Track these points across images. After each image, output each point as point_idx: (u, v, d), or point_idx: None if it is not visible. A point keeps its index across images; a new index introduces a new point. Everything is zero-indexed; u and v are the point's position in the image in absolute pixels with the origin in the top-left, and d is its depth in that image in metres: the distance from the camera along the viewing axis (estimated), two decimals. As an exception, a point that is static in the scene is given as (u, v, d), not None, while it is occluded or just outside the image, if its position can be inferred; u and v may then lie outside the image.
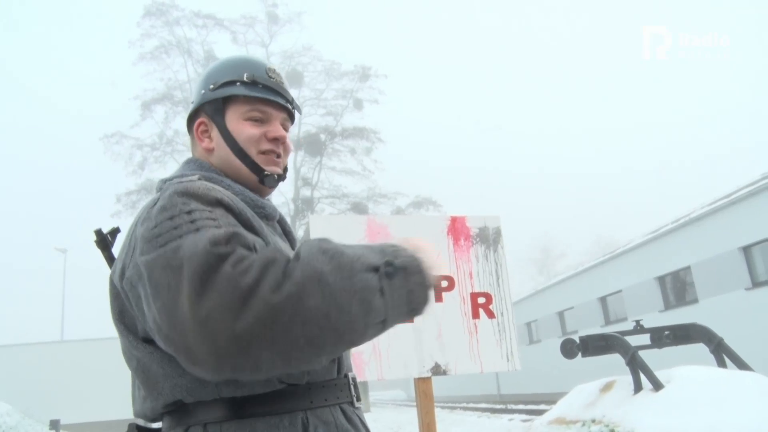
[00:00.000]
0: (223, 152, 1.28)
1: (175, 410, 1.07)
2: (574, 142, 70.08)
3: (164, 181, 1.23)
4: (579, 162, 69.53)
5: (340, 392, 1.17)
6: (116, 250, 1.21)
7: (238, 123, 1.28)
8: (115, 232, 1.26)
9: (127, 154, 28.81)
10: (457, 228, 3.34)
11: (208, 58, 30.01)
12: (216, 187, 1.10)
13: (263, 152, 1.29)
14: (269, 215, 1.26)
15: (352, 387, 1.21)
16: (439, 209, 29.61)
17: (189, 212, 1.00)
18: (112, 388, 24.06)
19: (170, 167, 29.03)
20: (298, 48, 31.21)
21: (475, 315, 3.23)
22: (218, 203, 1.05)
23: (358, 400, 1.23)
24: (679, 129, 62.13)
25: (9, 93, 50.14)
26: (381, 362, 2.98)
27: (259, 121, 1.30)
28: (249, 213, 1.12)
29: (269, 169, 1.30)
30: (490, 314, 3.26)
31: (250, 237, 1.00)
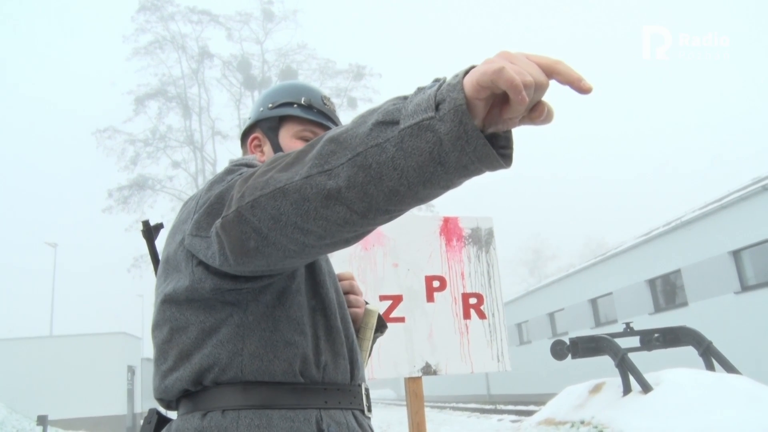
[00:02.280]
0: None
1: (195, 393, 1.11)
2: (567, 145, 70.31)
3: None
4: (571, 165, 69.81)
5: (354, 398, 1.21)
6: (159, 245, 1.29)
7: (290, 141, 1.38)
8: (159, 227, 1.35)
9: (119, 149, 28.64)
10: (449, 228, 3.35)
11: (202, 54, 29.91)
12: None
13: None
14: None
15: (364, 397, 1.25)
16: (431, 209, 29.55)
17: (248, 165, 1.12)
18: (101, 384, 24.04)
19: (162, 163, 28.94)
20: (293, 46, 31.22)
21: (467, 315, 3.24)
22: None
23: (369, 410, 1.27)
24: (675, 130, 62.45)
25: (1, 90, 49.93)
26: (372, 362, 2.98)
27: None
28: None
29: None
30: (482, 315, 3.27)
31: None
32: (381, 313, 1.46)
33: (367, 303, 1.46)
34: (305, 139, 1.37)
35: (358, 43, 46.54)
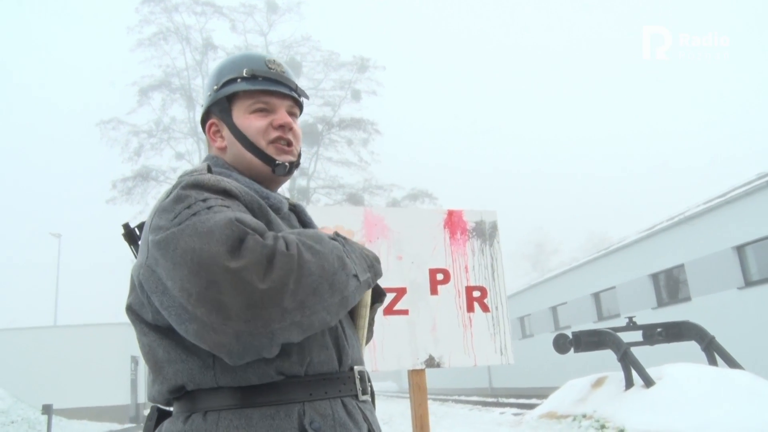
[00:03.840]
0: (235, 148, 1.34)
1: (181, 397, 1.11)
2: (570, 140, 70.14)
3: (181, 176, 1.28)
4: (574, 160, 69.63)
5: (343, 385, 1.17)
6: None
7: (244, 118, 1.34)
8: (142, 226, 1.28)
9: (123, 141, 28.64)
10: (453, 221, 3.35)
11: (206, 46, 29.84)
12: (224, 179, 1.16)
13: (272, 141, 1.34)
14: (274, 206, 1.28)
15: (357, 380, 1.22)
16: (435, 202, 29.60)
17: (204, 200, 1.07)
18: (105, 373, 24.16)
19: (166, 154, 28.92)
20: (297, 38, 31.05)
21: (470, 308, 3.24)
22: (227, 192, 1.12)
23: (365, 393, 1.23)
24: (675, 129, 62.24)
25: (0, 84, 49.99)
26: (375, 354, 2.99)
27: (264, 112, 1.35)
28: (261, 206, 1.20)
29: (281, 158, 1.34)
30: (485, 308, 3.28)
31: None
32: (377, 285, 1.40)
33: None
34: (259, 111, 1.33)
35: (362, 36, 46.52)
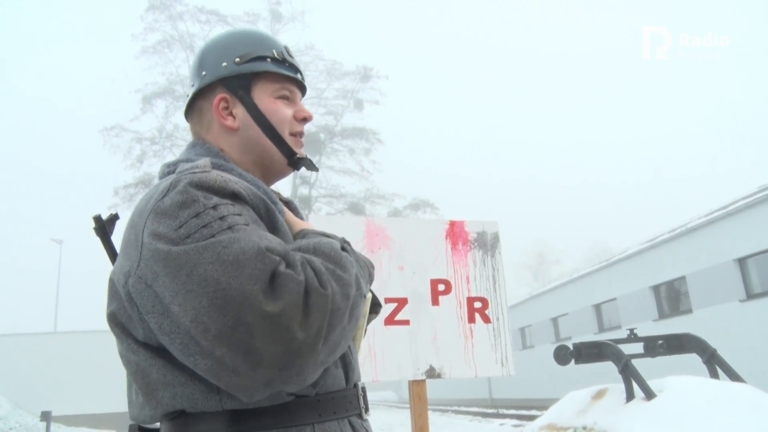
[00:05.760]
0: (251, 132, 1.20)
1: (176, 418, 0.99)
2: (572, 149, 70.22)
3: (168, 166, 1.16)
4: (575, 170, 69.68)
5: (349, 404, 1.11)
6: (116, 239, 1.14)
7: (270, 101, 1.21)
8: (113, 219, 1.18)
9: (126, 147, 28.72)
10: (455, 232, 3.35)
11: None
12: (231, 178, 1.03)
13: (293, 134, 1.24)
14: (277, 205, 1.15)
15: (361, 398, 1.16)
16: (436, 212, 29.56)
17: (214, 207, 0.94)
18: (105, 380, 24.07)
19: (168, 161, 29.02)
20: (301, 47, 31.15)
21: (471, 319, 3.24)
22: (236, 196, 0.99)
23: (367, 411, 1.18)
24: (677, 136, 62.28)
25: (4, 90, 50.17)
26: (376, 364, 2.99)
27: (287, 100, 1.25)
28: (268, 207, 1.07)
29: (299, 151, 1.25)
30: (486, 319, 3.27)
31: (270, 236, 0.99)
32: (374, 297, 1.29)
33: None
34: (284, 98, 1.23)
35: (365, 45, 46.64)
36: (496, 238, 3.44)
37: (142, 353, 0.99)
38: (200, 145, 1.21)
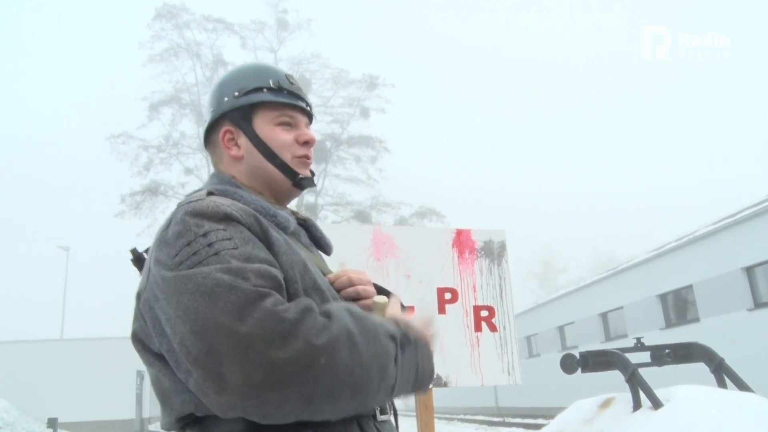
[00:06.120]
0: (254, 159, 1.29)
1: (190, 423, 1.06)
2: (578, 157, 70.10)
3: (186, 197, 1.24)
4: (581, 178, 69.54)
5: None
6: None
7: (269, 129, 1.29)
8: (148, 251, 1.24)
9: (132, 155, 28.82)
10: (462, 241, 3.36)
11: (216, 62, 30.08)
12: (224, 202, 1.09)
13: (298, 157, 1.31)
14: (281, 224, 1.20)
15: None
16: (443, 220, 29.51)
17: (204, 235, 1.01)
18: (111, 387, 24.13)
19: (175, 169, 29.05)
20: (307, 55, 31.26)
21: (478, 328, 3.24)
22: (228, 218, 1.05)
23: (384, 413, 1.17)
24: (682, 144, 62.12)
25: (7, 103, 50.61)
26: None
27: (288, 126, 1.32)
28: (261, 224, 1.11)
29: (303, 172, 1.32)
30: (493, 328, 3.27)
31: (266, 256, 1.04)
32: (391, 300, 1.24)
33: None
34: (284, 124, 1.30)
35: (371, 53, 46.82)
36: (502, 246, 3.45)
37: (157, 364, 1.09)
38: (216, 175, 1.32)
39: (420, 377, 1.09)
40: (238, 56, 30.67)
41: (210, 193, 1.15)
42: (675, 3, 46.19)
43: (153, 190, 28.09)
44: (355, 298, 1.23)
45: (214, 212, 1.05)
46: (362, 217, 29.09)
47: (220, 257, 0.97)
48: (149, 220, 27.57)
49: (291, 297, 1.05)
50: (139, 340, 1.12)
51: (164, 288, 0.99)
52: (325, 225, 3.47)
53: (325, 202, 30.39)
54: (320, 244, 1.39)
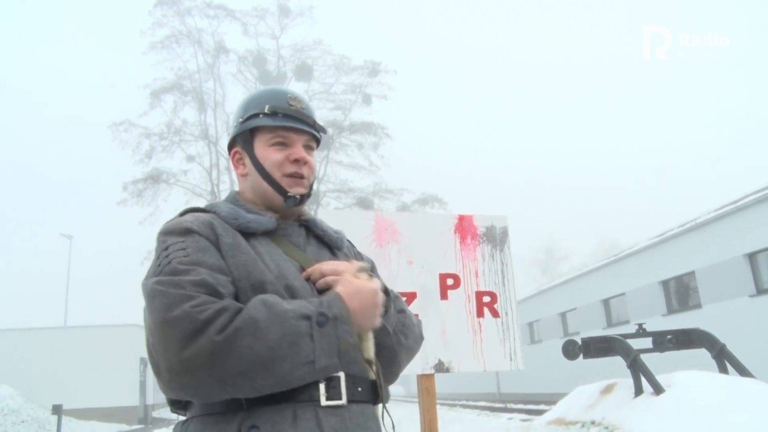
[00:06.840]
0: (254, 177, 1.46)
1: (183, 404, 1.27)
2: (580, 146, 69.91)
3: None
4: (584, 165, 69.38)
5: (301, 394, 1.16)
6: None
7: (264, 150, 1.45)
8: None
9: (134, 143, 28.77)
10: (464, 227, 3.36)
11: (218, 49, 29.97)
12: (187, 218, 1.33)
13: (289, 175, 1.44)
14: (250, 228, 1.36)
15: (322, 385, 1.18)
16: (445, 207, 29.54)
17: (165, 248, 1.26)
18: (114, 375, 24.27)
19: (177, 156, 29.05)
20: (309, 41, 31.10)
21: (480, 314, 3.25)
22: (188, 232, 1.28)
23: (335, 399, 1.19)
24: (683, 138, 61.89)
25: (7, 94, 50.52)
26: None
27: (282, 146, 1.45)
28: (216, 232, 1.30)
29: (293, 190, 1.44)
30: (495, 313, 3.28)
31: (213, 261, 1.23)
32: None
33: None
34: (278, 144, 1.44)
35: (373, 40, 46.58)
36: (504, 232, 3.44)
37: None
38: (230, 191, 1.56)
39: (344, 349, 1.20)
40: (240, 43, 30.55)
41: (185, 212, 1.39)
42: (675, 3, 45.83)
43: (155, 178, 28.10)
44: (326, 289, 1.31)
45: (176, 228, 1.30)
46: (364, 203, 29.08)
47: (171, 265, 1.20)
48: (151, 207, 27.64)
49: (239, 292, 1.22)
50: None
51: (144, 296, 1.21)
52: (327, 211, 3.46)
53: (327, 189, 30.40)
54: (324, 241, 1.51)
